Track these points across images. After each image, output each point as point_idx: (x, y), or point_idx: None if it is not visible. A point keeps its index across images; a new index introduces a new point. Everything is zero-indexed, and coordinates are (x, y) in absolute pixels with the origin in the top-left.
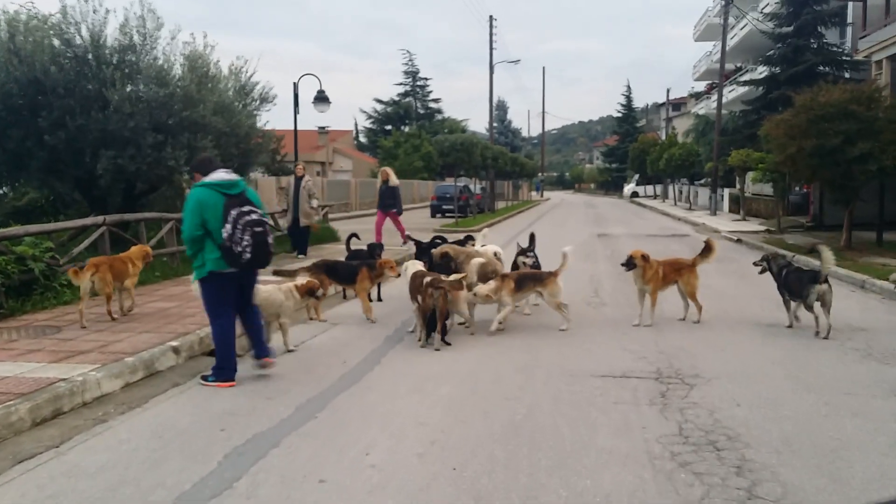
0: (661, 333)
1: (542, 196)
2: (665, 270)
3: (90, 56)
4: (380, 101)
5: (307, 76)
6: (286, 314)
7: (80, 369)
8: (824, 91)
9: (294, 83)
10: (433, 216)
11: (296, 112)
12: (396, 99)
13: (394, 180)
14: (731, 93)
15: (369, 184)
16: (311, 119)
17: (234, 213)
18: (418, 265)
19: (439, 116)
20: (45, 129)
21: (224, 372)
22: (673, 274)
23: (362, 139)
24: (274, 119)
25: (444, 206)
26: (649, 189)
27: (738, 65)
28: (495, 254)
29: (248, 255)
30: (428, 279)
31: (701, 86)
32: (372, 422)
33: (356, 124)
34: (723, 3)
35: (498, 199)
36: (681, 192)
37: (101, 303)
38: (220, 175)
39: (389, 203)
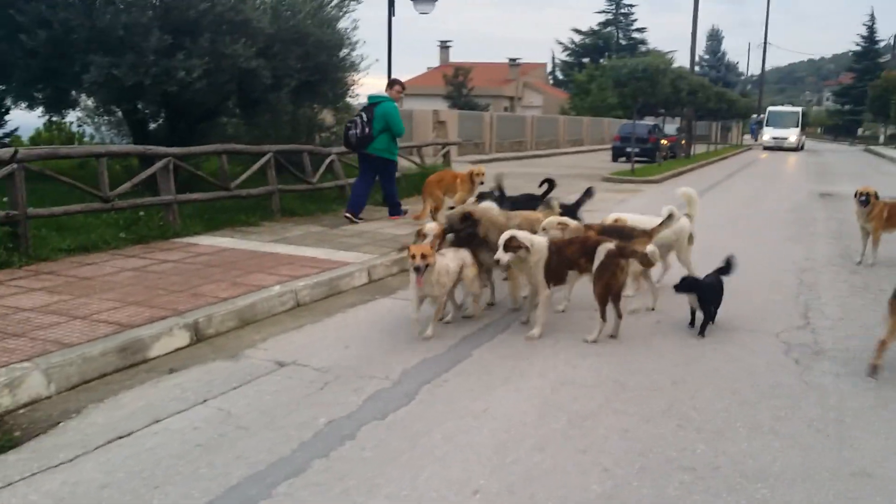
0: None
1: (756, 140)
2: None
3: None
4: (578, 32)
5: None
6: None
7: None
8: None
9: None
10: (615, 160)
11: (390, 14)
12: (596, 29)
13: None
14: None
15: (550, 121)
16: (501, 51)
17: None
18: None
19: (643, 48)
20: (24, 26)
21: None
22: None
23: (559, 74)
24: (466, 51)
25: (629, 149)
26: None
27: None
28: None
29: (342, 141)
30: None
31: None
32: None
33: (553, 57)
34: None
35: (701, 143)
36: None
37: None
38: (374, 92)
39: None
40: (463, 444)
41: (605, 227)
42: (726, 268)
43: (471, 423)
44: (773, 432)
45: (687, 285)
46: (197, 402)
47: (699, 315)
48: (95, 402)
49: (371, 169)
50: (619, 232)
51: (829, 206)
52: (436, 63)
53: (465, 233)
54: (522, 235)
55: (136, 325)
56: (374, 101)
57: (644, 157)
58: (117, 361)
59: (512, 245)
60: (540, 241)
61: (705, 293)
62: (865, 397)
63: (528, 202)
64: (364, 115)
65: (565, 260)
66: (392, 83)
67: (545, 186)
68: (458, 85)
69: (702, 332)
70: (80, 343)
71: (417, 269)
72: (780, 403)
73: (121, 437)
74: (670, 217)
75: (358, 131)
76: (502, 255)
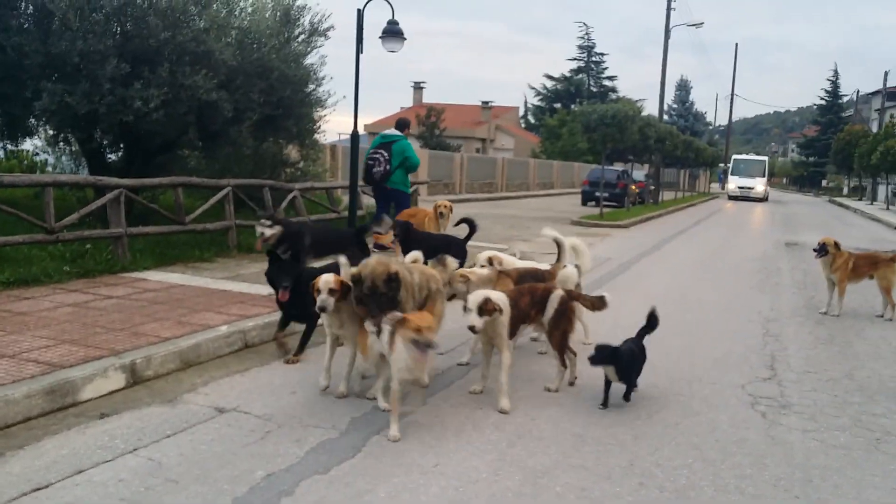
0: None
1: (723, 188)
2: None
3: None
4: (550, 77)
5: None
6: None
7: None
8: None
9: (358, 10)
10: (584, 203)
11: (358, 50)
12: (568, 75)
13: None
14: None
15: (520, 163)
16: (474, 93)
17: (369, 151)
18: None
19: (613, 96)
20: None
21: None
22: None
23: (531, 118)
24: (440, 92)
25: (598, 194)
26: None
27: None
28: None
29: (362, 175)
30: None
31: None
32: None
33: (525, 101)
34: None
35: (669, 189)
36: (895, 195)
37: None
38: (386, 131)
39: None
40: None
41: (521, 272)
42: (649, 326)
43: (418, 479)
44: (739, 491)
45: (604, 356)
46: (126, 451)
47: (616, 387)
48: (14, 448)
49: (387, 198)
50: (534, 275)
51: (794, 255)
52: (409, 103)
53: (389, 297)
54: (496, 296)
55: (68, 366)
56: (389, 140)
57: (613, 202)
58: (44, 404)
59: (487, 308)
60: (503, 298)
61: (624, 363)
62: (833, 455)
63: (445, 244)
64: (385, 154)
65: (521, 313)
66: (407, 124)
67: (466, 229)
68: (430, 125)
69: (626, 397)
70: (4, 384)
71: (417, 344)
72: (745, 461)
73: (37, 490)
74: (560, 248)
75: (381, 169)
76: (477, 321)
